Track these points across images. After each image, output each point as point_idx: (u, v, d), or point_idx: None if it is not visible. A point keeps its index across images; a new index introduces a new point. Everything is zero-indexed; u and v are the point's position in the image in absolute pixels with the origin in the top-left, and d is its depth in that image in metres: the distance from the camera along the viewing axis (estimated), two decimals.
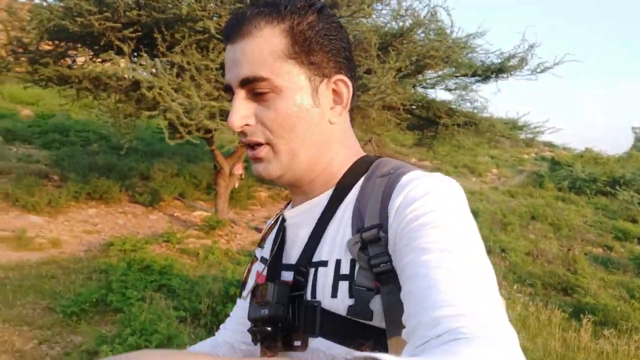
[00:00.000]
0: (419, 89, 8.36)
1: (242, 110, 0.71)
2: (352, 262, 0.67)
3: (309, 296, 0.71)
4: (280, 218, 0.84)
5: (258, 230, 7.86)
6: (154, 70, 4.52)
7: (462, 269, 0.55)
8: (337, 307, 0.68)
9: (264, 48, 0.69)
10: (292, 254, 0.78)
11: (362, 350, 0.63)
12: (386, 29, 5.66)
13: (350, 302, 0.66)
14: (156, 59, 4.52)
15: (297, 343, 0.72)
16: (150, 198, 8.79)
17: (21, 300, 4.14)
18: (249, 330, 0.76)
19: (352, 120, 0.80)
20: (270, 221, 0.90)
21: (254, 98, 0.71)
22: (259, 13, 0.70)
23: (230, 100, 0.73)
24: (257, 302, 0.74)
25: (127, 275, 4.27)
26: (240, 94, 0.71)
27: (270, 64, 0.69)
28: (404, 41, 5.85)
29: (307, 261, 0.73)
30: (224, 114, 5.02)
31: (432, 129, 10.49)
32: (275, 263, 0.79)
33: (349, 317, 0.66)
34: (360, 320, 0.65)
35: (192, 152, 12.40)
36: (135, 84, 4.72)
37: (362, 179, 0.74)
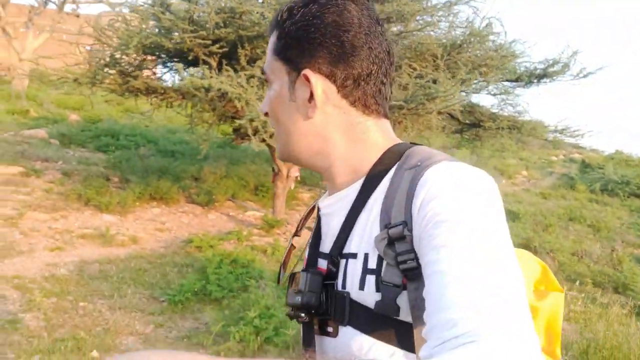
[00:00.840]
0: (463, 94, 8.67)
1: (264, 100, 0.81)
2: (380, 258, 0.69)
3: (339, 286, 0.74)
4: (316, 207, 0.86)
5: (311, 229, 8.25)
6: (237, 82, 4.93)
7: (482, 267, 0.55)
8: (364, 300, 0.70)
9: (269, 47, 0.78)
10: (326, 242, 0.79)
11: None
12: (444, 40, 5.99)
13: (377, 296, 0.68)
14: (240, 72, 4.94)
15: (330, 329, 0.75)
16: (207, 199, 9.26)
17: (127, 290, 4.60)
18: (287, 314, 0.80)
19: (374, 112, 0.77)
20: (306, 210, 0.93)
21: None
22: (275, 19, 0.78)
23: None
24: (293, 289, 0.77)
25: (220, 268, 4.69)
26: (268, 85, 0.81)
27: (268, 60, 0.78)
28: (461, 51, 6.19)
29: (338, 252, 0.75)
30: None
31: (472, 132, 10.77)
32: (313, 251, 0.82)
33: (375, 310, 0.68)
34: (389, 315, 0.67)
35: (235, 155, 12.86)
36: (221, 95, 5.14)
37: (394, 169, 0.73)
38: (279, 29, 0.75)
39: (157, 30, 5.17)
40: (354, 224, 0.74)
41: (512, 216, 10.45)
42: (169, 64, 6.40)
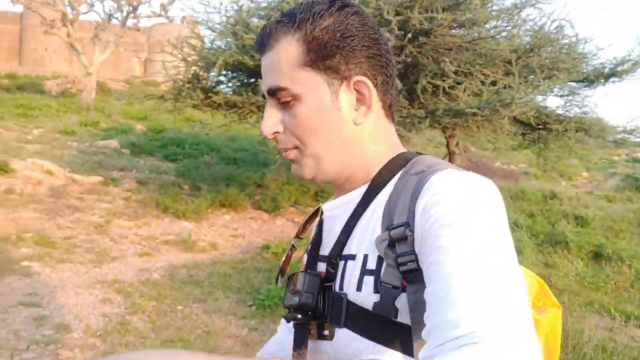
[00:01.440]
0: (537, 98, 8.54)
1: (270, 119, 0.75)
2: (380, 259, 0.69)
3: (337, 288, 0.74)
4: (320, 210, 0.86)
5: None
6: None
7: (485, 271, 0.55)
8: (361, 301, 0.70)
9: (282, 59, 0.72)
10: (327, 245, 0.80)
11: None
12: (516, 45, 5.98)
13: (375, 298, 0.68)
14: None
15: (326, 332, 0.75)
16: (272, 205, 9.55)
17: (218, 294, 4.86)
18: (283, 317, 0.82)
19: (391, 117, 0.80)
20: (311, 213, 0.92)
21: (282, 106, 0.75)
22: (278, 24, 0.74)
23: None
24: (291, 290, 0.78)
25: None
26: (271, 103, 0.76)
27: (289, 73, 0.72)
28: (532, 55, 6.16)
29: (338, 254, 0.76)
30: None
31: (535, 135, 10.56)
32: (313, 253, 0.83)
33: (373, 312, 0.68)
34: (386, 317, 0.67)
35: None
36: None
37: (398, 175, 0.74)
38: (304, 37, 0.72)
39: (236, 48, 5.43)
40: (354, 226, 0.75)
41: (580, 222, 10.15)
42: (246, 80, 6.69)
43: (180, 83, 6.38)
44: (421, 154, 0.80)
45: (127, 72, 42.96)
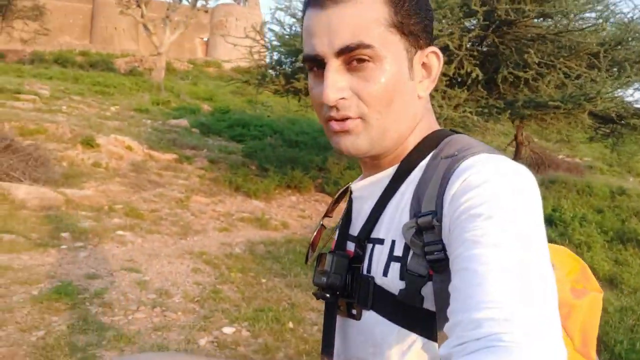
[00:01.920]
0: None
1: (338, 82, 0.67)
2: (407, 246, 0.67)
3: (365, 270, 0.73)
4: (349, 189, 0.85)
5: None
6: None
7: (513, 268, 0.52)
8: (387, 286, 0.69)
9: (367, 15, 0.65)
10: (356, 225, 0.79)
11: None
12: (603, 38, 5.83)
13: (401, 285, 0.67)
14: None
15: (354, 312, 0.75)
16: (335, 189, 9.77)
17: (296, 270, 5.14)
18: (313, 293, 0.80)
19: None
20: (339, 192, 0.92)
21: (349, 68, 0.67)
22: None
23: (312, 72, 0.71)
24: (319, 270, 0.78)
25: None
26: (334, 65, 0.67)
27: (375, 32, 0.66)
28: (619, 48, 5.98)
29: (366, 236, 0.75)
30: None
31: (608, 128, 10.20)
32: (342, 233, 0.82)
33: (399, 299, 0.67)
34: (412, 304, 0.66)
35: None
36: None
37: (429, 157, 0.71)
38: (388, 0, 0.67)
39: None
40: (384, 209, 0.74)
41: None
42: None
43: (263, 69, 6.62)
44: (456, 131, 0.77)
45: (189, 52, 44.21)
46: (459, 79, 5.72)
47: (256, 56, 6.82)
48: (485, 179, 0.60)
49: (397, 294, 0.67)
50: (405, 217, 0.69)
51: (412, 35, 0.69)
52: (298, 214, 8.05)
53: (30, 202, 6.01)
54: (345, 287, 0.75)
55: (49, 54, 29.32)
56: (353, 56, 0.66)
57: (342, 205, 0.91)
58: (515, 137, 10.19)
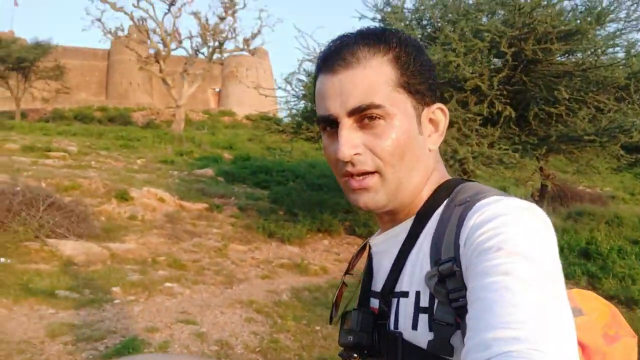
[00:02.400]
0: None
1: (352, 139, 0.71)
2: (432, 296, 0.67)
3: (392, 326, 0.73)
4: (368, 245, 0.86)
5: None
6: None
7: (523, 290, 0.53)
8: (417, 340, 0.68)
9: (376, 78, 0.70)
10: (378, 281, 0.79)
11: None
12: (631, 71, 6.00)
13: (430, 336, 0.66)
14: None
15: None
16: (365, 231, 9.81)
17: None
18: (339, 355, 0.79)
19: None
20: (358, 249, 0.92)
21: (361, 126, 0.71)
22: (363, 44, 0.72)
23: (326, 131, 0.75)
24: (345, 329, 0.77)
25: None
26: (347, 123, 0.71)
27: (384, 93, 0.70)
28: None
29: (390, 290, 0.74)
30: (484, 158, 5.75)
31: (633, 157, 10.24)
32: (364, 290, 0.82)
33: (428, 350, 0.66)
34: (442, 356, 0.65)
35: None
36: None
37: (443, 205, 0.73)
38: (396, 60, 0.72)
39: None
40: (404, 262, 0.74)
41: None
42: None
43: (298, 118, 6.85)
44: (466, 180, 0.79)
45: (202, 103, 45.35)
46: (491, 118, 5.87)
47: (285, 105, 7.06)
48: (493, 215, 0.63)
49: (425, 347, 0.66)
50: (426, 267, 0.69)
51: (418, 93, 0.74)
52: (334, 257, 8.08)
53: (78, 257, 6.13)
54: (373, 346, 0.74)
55: (68, 111, 30.25)
56: (364, 115, 0.70)
57: (362, 261, 0.91)
58: (541, 169, 10.25)
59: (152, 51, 22.13)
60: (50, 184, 9.45)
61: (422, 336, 0.68)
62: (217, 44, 20.12)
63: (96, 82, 46.88)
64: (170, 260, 6.64)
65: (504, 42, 5.31)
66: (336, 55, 0.72)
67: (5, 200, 6.41)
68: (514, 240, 0.58)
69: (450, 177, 0.80)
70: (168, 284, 5.74)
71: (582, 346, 0.67)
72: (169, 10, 20.33)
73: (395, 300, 0.74)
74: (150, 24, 19.92)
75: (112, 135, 17.65)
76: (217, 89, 47.58)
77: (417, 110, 0.74)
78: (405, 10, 6.34)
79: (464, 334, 0.61)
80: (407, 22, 6.06)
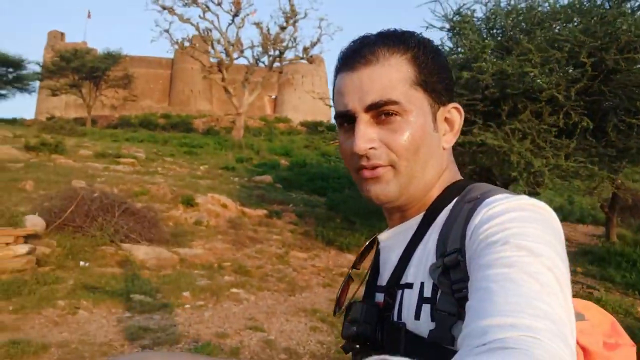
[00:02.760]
0: None
1: (368, 134, 0.73)
2: (435, 286, 0.68)
3: (395, 317, 0.74)
4: (376, 241, 0.88)
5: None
6: (502, 136, 5.28)
7: (524, 280, 0.53)
8: (420, 330, 0.69)
9: (394, 75, 0.72)
10: (384, 275, 0.80)
11: None
12: None
13: (432, 326, 0.67)
14: (505, 127, 5.28)
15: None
16: None
17: None
18: (342, 347, 0.81)
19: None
20: (365, 244, 0.93)
21: (377, 122, 0.73)
22: (383, 44, 0.74)
23: (343, 127, 0.78)
24: (349, 320, 0.78)
25: None
26: (364, 119, 0.73)
27: (402, 90, 0.72)
28: None
29: (395, 283, 0.76)
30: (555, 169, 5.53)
31: None
32: (370, 284, 0.83)
33: (430, 339, 0.66)
34: (443, 345, 0.65)
35: None
36: (480, 149, 5.55)
37: (453, 202, 0.75)
38: (414, 60, 0.74)
39: None
40: (412, 255, 0.75)
41: None
42: None
43: None
44: (476, 181, 0.80)
45: (259, 110, 46.34)
46: (566, 129, 5.64)
47: None
48: (502, 211, 0.63)
49: (426, 336, 0.67)
50: (432, 259, 0.71)
51: (435, 92, 0.75)
52: None
53: (149, 262, 6.41)
54: (376, 338, 0.75)
55: (134, 118, 31.70)
56: (382, 111, 0.72)
57: (370, 256, 0.93)
58: (613, 181, 9.74)
59: (212, 60, 22.88)
60: (122, 189, 9.94)
61: (424, 326, 0.68)
62: (277, 52, 20.54)
63: (160, 89, 48.97)
64: (236, 266, 6.81)
65: (584, 52, 5.10)
66: (356, 54, 0.74)
67: (84, 205, 6.80)
68: (521, 235, 0.59)
69: (462, 178, 0.81)
70: (234, 290, 5.89)
71: (584, 349, 0.67)
72: (232, 21, 20.96)
73: (400, 292, 0.75)
74: (215, 35, 20.58)
75: (176, 142, 18.35)
76: (273, 96, 48.47)
77: (433, 108, 0.76)
78: (475, 19, 6.21)
79: None
80: (478, 31, 5.94)
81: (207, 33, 20.38)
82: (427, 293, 0.70)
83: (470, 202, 0.70)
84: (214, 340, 4.33)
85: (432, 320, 0.67)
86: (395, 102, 0.72)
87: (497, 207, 0.65)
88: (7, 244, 5.68)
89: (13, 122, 32.36)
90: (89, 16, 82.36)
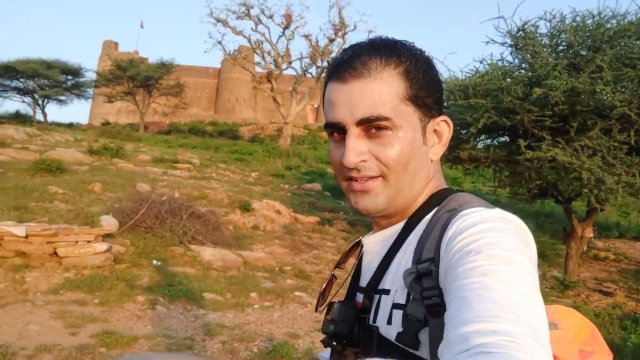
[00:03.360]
0: None
1: (358, 147, 0.74)
2: (409, 293, 0.70)
3: (371, 320, 0.76)
4: (360, 243, 0.89)
5: (605, 293, 7.92)
6: (570, 152, 5.30)
7: (499, 287, 0.55)
8: (390, 334, 0.71)
9: (385, 90, 0.72)
10: (365, 277, 0.82)
11: None
12: None
13: (400, 329, 0.69)
14: (575, 143, 5.30)
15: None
16: None
17: None
18: (321, 341, 0.83)
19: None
20: (352, 245, 0.94)
21: (368, 135, 0.74)
22: (376, 55, 0.74)
23: (333, 136, 0.78)
24: (328, 318, 0.82)
25: None
26: (355, 132, 0.74)
27: (392, 105, 0.72)
28: None
29: (373, 287, 0.78)
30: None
31: None
32: (352, 284, 0.86)
33: (397, 343, 0.69)
34: (409, 350, 0.67)
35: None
36: (551, 166, 5.57)
37: (433, 211, 0.76)
38: (405, 74, 0.74)
39: (494, 110, 5.80)
40: (391, 261, 0.77)
41: None
42: (495, 138, 7.15)
43: None
44: (461, 191, 0.82)
45: (301, 118, 46.94)
46: (636, 146, 5.59)
47: None
48: (475, 222, 0.65)
49: (394, 339, 0.70)
50: (408, 266, 0.72)
51: (425, 106, 0.76)
52: None
53: (215, 263, 6.70)
54: (352, 337, 0.78)
55: (183, 125, 32.70)
56: (372, 125, 0.73)
57: (354, 257, 0.95)
58: None
59: (259, 70, 23.43)
60: (183, 193, 10.37)
61: (394, 330, 0.71)
62: (325, 64, 20.86)
63: (207, 98, 50.38)
64: (296, 270, 7.02)
65: None
66: (348, 65, 0.74)
67: (154, 208, 7.18)
68: (493, 245, 0.61)
69: (447, 187, 0.83)
70: (297, 293, 6.09)
71: (556, 359, 0.69)
72: (283, 33, 21.43)
73: (377, 297, 0.77)
74: (265, 47, 21.14)
75: (227, 149, 18.87)
76: (315, 105, 48.99)
77: (423, 122, 0.76)
78: (538, 35, 6.25)
79: (431, 331, 0.65)
80: (543, 49, 5.98)
81: (259, 45, 20.96)
82: (400, 299, 0.72)
83: (448, 212, 0.73)
84: (288, 340, 4.54)
85: (402, 325, 0.70)
86: (386, 118, 0.72)
87: (469, 219, 0.67)
88: (88, 241, 6.09)
89: (70, 126, 34.03)
90: (142, 26, 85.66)
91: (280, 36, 21.44)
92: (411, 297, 0.69)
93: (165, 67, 29.51)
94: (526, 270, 0.59)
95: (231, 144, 20.28)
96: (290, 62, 22.16)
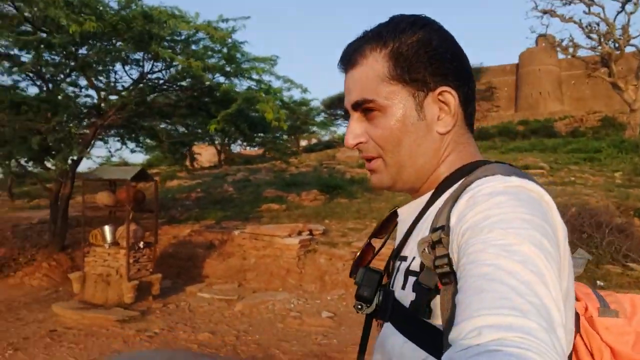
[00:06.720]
0: None
1: (354, 130, 0.81)
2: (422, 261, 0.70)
3: (392, 285, 0.79)
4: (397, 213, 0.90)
5: None
6: None
7: (514, 275, 0.53)
8: (403, 299, 0.73)
9: (369, 74, 0.77)
10: (396, 245, 0.84)
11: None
12: None
13: (413, 297, 0.70)
14: None
15: (381, 322, 0.81)
16: None
17: None
18: (353, 306, 0.82)
19: (470, 126, 0.81)
20: (387, 216, 0.93)
21: (365, 118, 0.80)
22: (364, 42, 0.79)
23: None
24: (355, 282, 0.83)
25: None
26: (355, 116, 0.81)
27: (375, 87, 0.77)
28: None
29: (396, 254, 0.81)
30: None
31: None
32: (392, 252, 0.85)
33: (410, 310, 0.70)
34: (419, 317, 0.68)
35: None
36: None
37: (459, 183, 0.73)
38: (390, 54, 0.76)
39: None
40: (413, 229, 0.79)
41: None
42: None
43: None
44: (498, 162, 0.75)
45: (619, 103, 40.43)
46: None
47: None
48: (489, 194, 0.63)
49: (407, 306, 0.71)
50: (425, 235, 0.72)
51: (416, 81, 0.76)
52: None
53: None
54: (373, 301, 0.79)
55: (491, 128, 32.24)
56: (364, 108, 0.79)
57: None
58: None
59: (583, 54, 20.91)
60: (559, 202, 9.69)
61: (407, 296, 0.72)
62: None
63: (505, 97, 48.45)
64: None
65: None
66: (344, 56, 0.83)
67: (574, 221, 6.71)
68: (505, 222, 0.58)
69: (480, 159, 0.79)
70: None
71: (611, 349, 0.69)
72: (622, 8, 18.63)
73: (398, 263, 0.80)
74: (602, 27, 18.63)
75: (565, 149, 17.35)
76: None
77: (417, 97, 0.77)
78: None
79: (442, 300, 0.64)
80: None
81: (593, 28, 18.65)
82: (415, 267, 0.73)
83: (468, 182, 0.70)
84: None
85: (413, 291, 0.71)
86: (370, 100, 0.77)
87: (483, 189, 0.64)
88: None
89: None
90: None
91: (618, 12, 18.62)
92: (424, 265, 0.69)
93: (477, 72, 29.51)
94: (541, 248, 0.56)
95: (565, 143, 18.58)
96: (628, 40, 19.02)
